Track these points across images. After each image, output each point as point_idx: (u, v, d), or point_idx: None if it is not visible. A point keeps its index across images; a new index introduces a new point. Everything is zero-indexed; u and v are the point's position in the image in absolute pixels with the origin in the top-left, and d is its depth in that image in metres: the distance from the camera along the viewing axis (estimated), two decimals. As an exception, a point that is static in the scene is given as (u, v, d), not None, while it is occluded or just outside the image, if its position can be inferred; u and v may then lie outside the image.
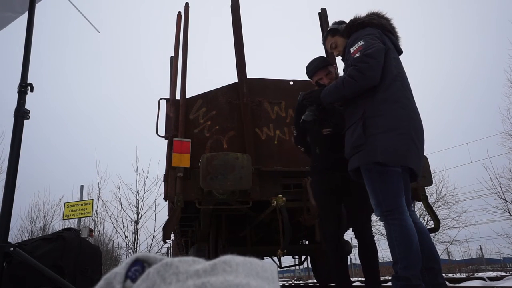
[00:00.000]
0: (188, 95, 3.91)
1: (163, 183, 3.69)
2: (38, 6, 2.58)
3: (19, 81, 2.25)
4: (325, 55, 4.56)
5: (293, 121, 2.88)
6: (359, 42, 2.14)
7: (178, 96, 3.88)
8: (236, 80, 4.07)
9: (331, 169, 2.57)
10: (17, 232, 15.50)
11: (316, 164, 2.70)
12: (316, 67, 2.72)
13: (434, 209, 4.10)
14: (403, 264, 1.92)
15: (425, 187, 3.93)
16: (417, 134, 2.10)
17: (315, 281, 7.85)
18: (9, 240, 2.00)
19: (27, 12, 2.50)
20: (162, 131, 3.76)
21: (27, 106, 2.22)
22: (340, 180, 2.54)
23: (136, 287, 0.33)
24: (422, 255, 1.96)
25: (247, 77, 4.06)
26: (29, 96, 2.27)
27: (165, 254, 13.12)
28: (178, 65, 4.08)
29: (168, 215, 4.43)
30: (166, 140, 3.75)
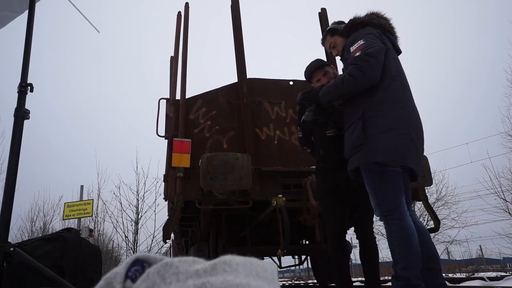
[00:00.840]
0: (188, 95, 3.91)
1: (163, 183, 3.69)
2: (37, 6, 2.58)
3: (19, 81, 2.25)
4: (325, 56, 4.56)
5: (297, 122, 2.90)
6: (360, 41, 2.14)
7: (178, 96, 3.88)
8: (236, 80, 4.07)
9: (335, 170, 2.56)
10: (17, 232, 15.51)
11: (320, 165, 2.70)
12: (312, 68, 2.71)
13: (434, 209, 4.10)
14: (403, 264, 1.92)
15: (425, 187, 3.93)
16: (416, 134, 2.10)
17: (315, 281, 7.85)
18: (9, 240, 1.99)
19: (26, 12, 2.50)
20: (162, 131, 3.76)
21: (27, 106, 2.22)
22: (343, 181, 2.52)
23: (136, 287, 0.33)
24: (422, 255, 1.96)
25: (247, 77, 4.07)
26: (29, 96, 2.27)
27: (165, 254, 13.12)
28: (178, 65, 4.08)
29: (168, 215, 4.43)
30: (166, 140, 3.75)
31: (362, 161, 2.08)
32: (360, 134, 2.08)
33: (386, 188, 2.02)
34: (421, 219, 13.29)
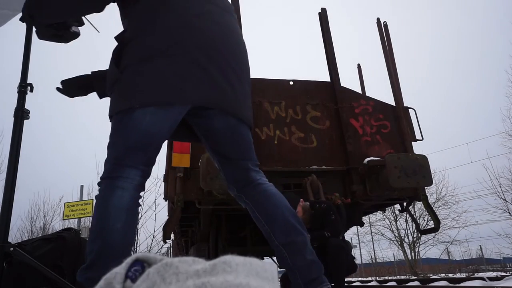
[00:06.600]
0: (188, 95, 3.91)
1: (163, 183, 3.69)
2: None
3: (19, 81, 2.25)
4: (324, 53, 4.57)
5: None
6: None
7: (178, 96, 3.87)
8: (236, 80, 4.07)
9: None
10: (17, 232, 15.52)
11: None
12: None
13: (434, 209, 4.10)
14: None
15: (425, 187, 3.93)
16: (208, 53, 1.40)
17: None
18: (9, 240, 2.00)
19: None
20: (162, 131, 3.76)
21: (27, 106, 2.22)
22: None
23: (136, 287, 0.33)
24: (276, 229, 1.50)
25: (247, 77, 4.06)
26: (30, 95, 2.27)
27: (165, 254, 13.13)
28: (178, 65, 4.08)
29: (168, 215, 4.43)
30: (166, 140, 3.75)
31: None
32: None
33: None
34: (421, 219, 13.33)
